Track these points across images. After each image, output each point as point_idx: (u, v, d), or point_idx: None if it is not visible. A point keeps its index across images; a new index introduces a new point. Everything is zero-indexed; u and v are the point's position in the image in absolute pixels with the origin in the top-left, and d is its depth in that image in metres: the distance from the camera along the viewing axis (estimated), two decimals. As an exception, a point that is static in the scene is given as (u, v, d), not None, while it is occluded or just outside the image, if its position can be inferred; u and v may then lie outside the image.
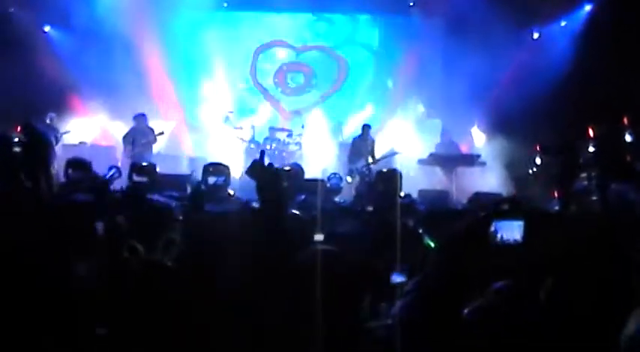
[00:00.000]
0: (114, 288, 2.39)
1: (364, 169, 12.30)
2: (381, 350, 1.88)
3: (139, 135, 12.56)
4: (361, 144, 13.43)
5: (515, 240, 1.47)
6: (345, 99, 17.24)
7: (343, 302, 2.10)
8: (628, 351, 1.22)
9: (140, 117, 12.74)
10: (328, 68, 17.58)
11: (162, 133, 12.76)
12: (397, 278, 2.75)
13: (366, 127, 13.75)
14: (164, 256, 2.49)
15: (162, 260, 2.46)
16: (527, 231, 1.47)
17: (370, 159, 12.99)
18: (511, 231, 1.46)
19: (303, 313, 1.98)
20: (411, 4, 16.05)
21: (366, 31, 17.49)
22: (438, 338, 1.46)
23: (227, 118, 14.94)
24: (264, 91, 17.55)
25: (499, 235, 1.47)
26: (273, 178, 2.34)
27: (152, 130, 12.64)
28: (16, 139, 9.32)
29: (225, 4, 16.45)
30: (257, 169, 2.36)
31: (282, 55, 17.67)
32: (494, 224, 1.47)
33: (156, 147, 12.98)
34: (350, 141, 14.22)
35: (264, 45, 17.49)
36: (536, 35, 14.71)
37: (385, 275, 2.96)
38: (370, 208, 5.67)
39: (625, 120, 11.39)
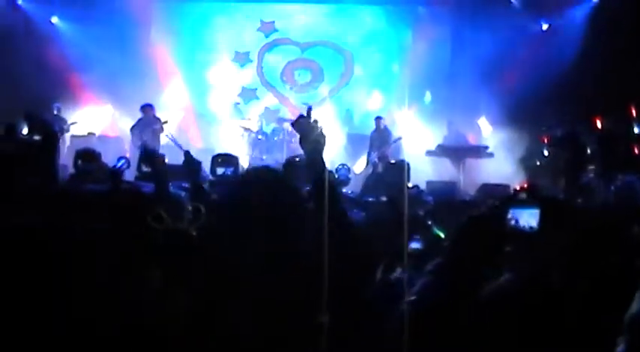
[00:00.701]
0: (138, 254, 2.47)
1: (375, 160, 12.33)
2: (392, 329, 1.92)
3: (147, 126, 12.60)
4: (374, 137, 13.48)
5: (530, 227, 1.52)
6: (353, 90, 17.12)
7: (355, 273, 2.14)
8: (631, 329, 1.28)
9: (147, 108, 12.79)
10: (334, 62, 17.54)
11: (166, 122, 12.79)
12: (415, 244, 2.81)
13: (377, 119, 13.77)
14: (190, 226, 2.54)
15: (188, 229, 2.50)
16: (543, 219, 1.52)
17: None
18: (527, 217, 1.51)
19: (314, 283, 2.02)
20: None
21: (373, 20, 17.20)
22: (456, 319, 1.51)
23: (237, 108, 15.31)
24: (273, 89, 17.58)
25: (515, 221, 1.53)
26: (318, 134, 2.45)
27: (159, 120, 12.70)
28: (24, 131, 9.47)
29: None
30: (304, 122, 2.46)
31: (287, 52, 17.66)
32: (510, 211, 1.52)
33: (164, 138, 13.05)
34: (361, 131, 14.32)
35: (267, 44, 17.59)
36: (545, 26, 14.69)
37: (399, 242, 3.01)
38: (384, 198, 5.72)
39: (633, 112, 11.39)
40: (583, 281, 1.50)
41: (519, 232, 1.53)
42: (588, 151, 10.96)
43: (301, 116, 2.45)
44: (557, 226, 1.55)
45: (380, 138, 13.30)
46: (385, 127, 13.62)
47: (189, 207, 3.58)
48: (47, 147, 7.61)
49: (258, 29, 17.35)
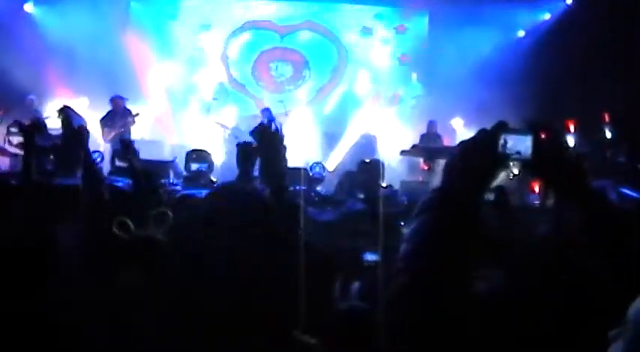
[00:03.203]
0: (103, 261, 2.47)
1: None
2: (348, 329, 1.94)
3: (117, 118, 12.25)
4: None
5: (517, 152, 1.51)
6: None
7: (316, 285, 2.17)
8: (634, 323, 1.29)
9: (117, 100, 12.36)
10: (324, 53, 14.88)
11: (137, 114, 12.47)
12: (370, 257, 2.85)
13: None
14: (156, 231, 2.53)
15: (155, 234, 2.50)
16: (536, 153, 1.50)
17: None
18: (519, 144, 1.51)
19: (284, 288, 2.04)
20: None
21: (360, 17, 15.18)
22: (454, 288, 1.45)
23: (208, 108, 14.07)
24: (241, 88, 14.79)
25: (505, 146, 1.51)
26: (277, 142, 2.40)
27: (130, 112, 12.34)
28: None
29: None
30: (262, 131, 2.42)
31: (261, 39, 14.77)
32: (502, 136, 1.52)
33: (138, 134, 12.84)
34: (335, 129, 14.22)
35: (236, 29, 14.74)
36: (521, 33, 14.94)
37: (357, 255, 3.06)
38: (361, 196, 5.78)
39: (606, 117, 11.55)
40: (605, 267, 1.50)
41: (512, 157, 1.52)
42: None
43: (260, 124, 2.42)
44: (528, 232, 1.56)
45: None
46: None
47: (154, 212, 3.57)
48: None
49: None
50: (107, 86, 13.17)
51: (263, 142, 2.42)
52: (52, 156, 8.90)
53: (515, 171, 1.56)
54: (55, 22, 14.11)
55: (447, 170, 1.54)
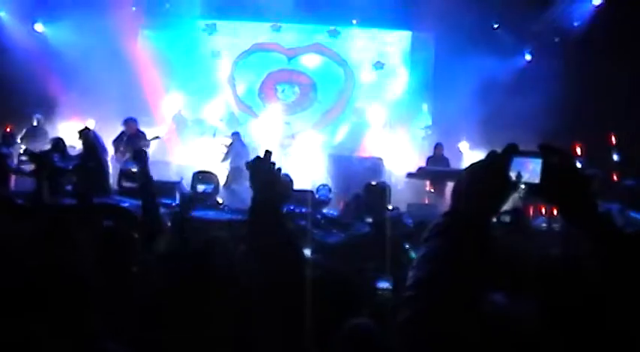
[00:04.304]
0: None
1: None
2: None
3: (131, 140, 12.20)
4: None
5: (530, 179, 1.51)
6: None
7: (331, 318, 2.16)
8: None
9: (130, 122, 12.40)
10: (331, 77, 14.82)
11: (157, 138, 12.55)
12: (383, 284, 2.84)
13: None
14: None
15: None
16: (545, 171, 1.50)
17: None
18: (530, 168, 1.51)
19: (291, 324, 2.03)
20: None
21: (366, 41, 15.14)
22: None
23: (215, 133, 14.10)
24: (247, 109, 14.80)
25: (517, 171, 1.51)
26: (273, 180, 2.34)
27: (144, 135, 12.38)
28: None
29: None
30: (259, 166, 2.34)
31: (268, 61, 14.82)
32: (516, 169, 1.51)
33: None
34: (343, 151, 14.19)
35: (244, 52, 14.83)
36: (528, 57, 15.00)
37: (369, 283, 3.05)
38: (369, 220, 5.77)
39: (613, 139, 11.55)
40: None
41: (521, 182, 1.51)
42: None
43: (257, 158, 2.35)
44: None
45: None
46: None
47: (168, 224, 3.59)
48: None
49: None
50: (114, 108, 13.23)
51: (259, 179, 2.37)
52: (71, 177, 8.95)
53: (523, 194, 1.55)
54: (64, 42, 14.19)
55: (456, 194, 1.54)
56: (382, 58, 15.19)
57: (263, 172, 2.31)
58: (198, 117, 14.78)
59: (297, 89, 14.79)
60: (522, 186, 1.49)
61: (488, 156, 1.54)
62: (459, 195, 1.52)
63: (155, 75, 14.51)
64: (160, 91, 14.73)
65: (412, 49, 15.42)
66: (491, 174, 1.49)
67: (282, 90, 14.82)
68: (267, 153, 2.33)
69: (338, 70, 14.89)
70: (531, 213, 9.23)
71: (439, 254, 1.44)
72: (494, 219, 1.52)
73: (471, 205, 1.47)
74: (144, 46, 15.00)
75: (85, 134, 9.36)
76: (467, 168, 1.55)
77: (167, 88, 14.89)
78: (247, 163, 2.34)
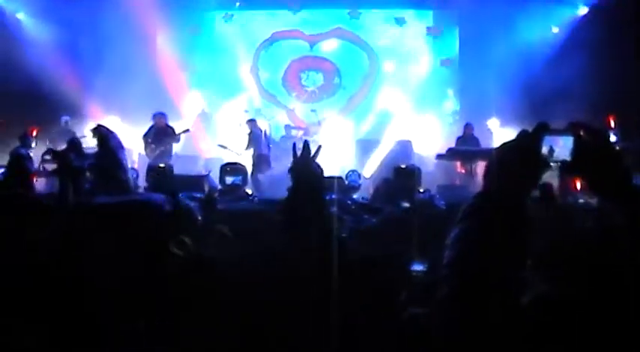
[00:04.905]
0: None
1: None
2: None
3: (161, 135, 12.34)
4: None
5: (563, 158, 1.50)
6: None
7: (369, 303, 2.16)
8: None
9: (160, 116, 12.49)
10: (355, 61, 14.82)
11: (187, 131, 12.63)
12: (417, 267, 2.84)
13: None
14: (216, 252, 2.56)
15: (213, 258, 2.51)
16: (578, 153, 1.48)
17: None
18: (559, 143, 1.50)
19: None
20: None
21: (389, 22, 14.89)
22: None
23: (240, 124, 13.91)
24: (272, 98, 14.87)
25: (549, 146, 1.49)
26: (316, 181, 2.35)
27: (173, 129, 12.46)
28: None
29: (238, 4, 15.01)
30: (302, 168, 2.34)
31: (290, 49, 14.84)
32: (548, 144, 1.49)
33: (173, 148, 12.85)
34: (371, 135, 14.16)
35: (267, 39, 14.82)
36: (555, 29, 14.73)
37: (404, 267, 3.05)
38: (399, 202, 5.75)
39: (611, 122, 11.31)
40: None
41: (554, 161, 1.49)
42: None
43: (299, 159, 2.33)
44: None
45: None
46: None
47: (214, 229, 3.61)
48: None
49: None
50: (141, 105, 13.32)
51: (302, 181, 2.37)
52: (88, 175, 9.07)
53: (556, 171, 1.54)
54: (80, 37, 14.33)
55: (489, 174, 1.53)
56: (401, 42, 15.06)
57: (306, 169, 2.32)
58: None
59: (320, 75, 14.80)
60: (554, 164, 1.47)
61: (518, 135, 1.52)
62: (490, 176, 1.51)
63: (177, 70, 14.59)
64: (182, 87, 14.83)
65: (435, 26, 15.27)
66: (522, 154, 1.48)
67: (307, 77, 14.87)
68: (306, 143, 2.33)
69: (361, 54, 14.83)
70: (567, 187, 9.12)
71: (470, 234, 1.44)
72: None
73: (503, 186, 1.47)
74: (164, 42, 15.05)
75: (98, 132, 9.44)
76: (497, 149, 1.53)
77: (190, 83, 14.99)
78: (290, 169, 2.35)
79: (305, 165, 2.32)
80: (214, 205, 6.16)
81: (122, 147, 9.61)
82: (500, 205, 1.45)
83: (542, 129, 1.50)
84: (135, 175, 10.84)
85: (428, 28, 15.17)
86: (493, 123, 14.21)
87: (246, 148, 12.70)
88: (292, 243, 2.31)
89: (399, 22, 14.96)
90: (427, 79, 14.96)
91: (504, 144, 1.53)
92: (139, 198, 6.87)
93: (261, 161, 12.12)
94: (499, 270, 1.40)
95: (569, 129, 1.49)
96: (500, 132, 13.97)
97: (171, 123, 12.63)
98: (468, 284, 1.39)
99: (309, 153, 2.37)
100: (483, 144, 13.25)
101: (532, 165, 1.48)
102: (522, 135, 1.52)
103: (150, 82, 13.89)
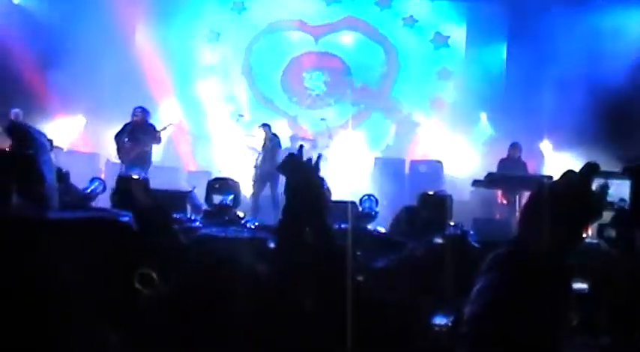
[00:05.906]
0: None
1: None
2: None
3: (139, 133, 12.13)
4: None
5: (621, 199, 1.53)
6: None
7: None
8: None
9: (141, 111, 12.27)
10: (369, 57, 14.55)
11: (170, 125, 12.72)
12: (440, 320, 2.84)
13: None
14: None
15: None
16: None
17: None
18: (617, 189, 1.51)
19: None
20: None
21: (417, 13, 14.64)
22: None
23: (238, 119, 14.14)
24: (269, 104, 14.60)
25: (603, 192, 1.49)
26: (312, 179, 2.34)
27: (154, 127, 12.33)
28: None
29: None
30: (291, 165, 2.34)
31: (290, 43, 14.58)
32: (595, 181, 1.49)
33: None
34: (392, 153, 14.12)
35: (259, 33, 14.53)
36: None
37: (425, 317, 3.06)
38: (424, 237, 5.75)
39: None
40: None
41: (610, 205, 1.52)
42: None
43: (291, 155, 2.34)
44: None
45: None
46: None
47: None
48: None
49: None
50: (112, 104, 13.34)
51: (295, 178, 2.37)
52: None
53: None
54: (48, 20, 14.36)
55: (526, 218, 1.52)
56: (441, 36, 15.03)
57: (298, 171, 2.32)
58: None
59: (327, 76, 14.53)
60: (608, 213, 1.48)
61: (563, 177, 1.51)
62: (528, 222, 1.49)
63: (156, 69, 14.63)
64: (164, 88, 14.87)
65: (476, 24, 15.28)
66: (570, 201, 1.46)
67: (310, 78, 14.66)
68: (300, 147, 2.35)
69: (377, 49, 14.61)
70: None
71: (496, 289, 1.43)
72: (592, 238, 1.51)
73: (543, 237, 1.45)
74: (144, 39, 15.13)
75: (10, 128, 9.36)
76: (540, 190, 1.52)
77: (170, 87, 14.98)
78: (279, 166, 2.35)
79: (304, 180, 2.32)
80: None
81: (42, 146, 9.53)
82: (536, 261, 1.43)
83: (592, 171, 1.49)
84: (101, 188, 10.81)
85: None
86: (545, 145, 14.20)
87: (258, 160, 12.59)
88: (289, 283, 2.32)
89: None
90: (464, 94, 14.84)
91: (547, 185, 1.52)
92: (102, 214, 6.87)
93: (274, 177, 11.88)
94: (524, 335, 1.39)
95: (625, 171, 1.49)
96: (553, 157, 13.95)
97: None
98: (486, 349, 1.39)
99: (310, 166, 2.36)
100: (532, 171, 13.21)
101: (581, 213, 1.46)
102: (568, 176, 1.50)
103: (124, 80, 13.90)
